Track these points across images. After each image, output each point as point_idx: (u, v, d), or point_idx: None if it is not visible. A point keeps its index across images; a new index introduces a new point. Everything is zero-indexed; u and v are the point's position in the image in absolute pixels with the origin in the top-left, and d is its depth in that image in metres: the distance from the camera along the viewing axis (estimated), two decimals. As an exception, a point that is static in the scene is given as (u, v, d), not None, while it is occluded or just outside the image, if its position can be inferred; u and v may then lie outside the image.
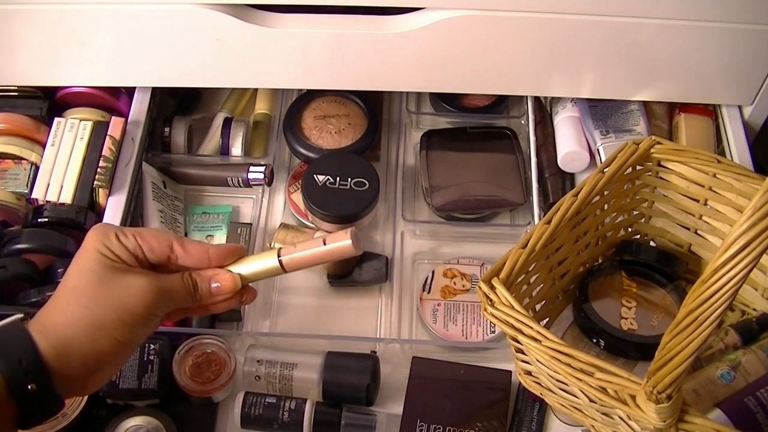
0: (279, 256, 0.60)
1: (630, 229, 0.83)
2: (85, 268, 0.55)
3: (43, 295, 0.74)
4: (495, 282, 0.64)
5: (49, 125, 0.86)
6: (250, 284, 0.61)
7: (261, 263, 0.60)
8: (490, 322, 0.75)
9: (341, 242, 0.59)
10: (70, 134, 0.85)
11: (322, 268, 0.85)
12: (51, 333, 0.52)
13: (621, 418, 0.61)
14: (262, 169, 0.89)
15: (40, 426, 0.71)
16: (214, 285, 0.59)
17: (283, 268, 0.60)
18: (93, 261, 0.55)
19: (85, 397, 0.73)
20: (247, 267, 0.60)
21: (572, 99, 0.93)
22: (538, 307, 0.76)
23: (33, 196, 0.82)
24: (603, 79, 0.87)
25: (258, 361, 0.76)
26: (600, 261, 0.81)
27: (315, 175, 0.86)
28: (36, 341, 0.51)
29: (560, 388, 0.67)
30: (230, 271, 0.60)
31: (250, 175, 0.90)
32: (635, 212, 0.81)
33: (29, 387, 0.50)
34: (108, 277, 0.54)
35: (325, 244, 0.59)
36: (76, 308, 0.53)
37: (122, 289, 0.54)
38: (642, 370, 0.70)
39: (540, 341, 0.60)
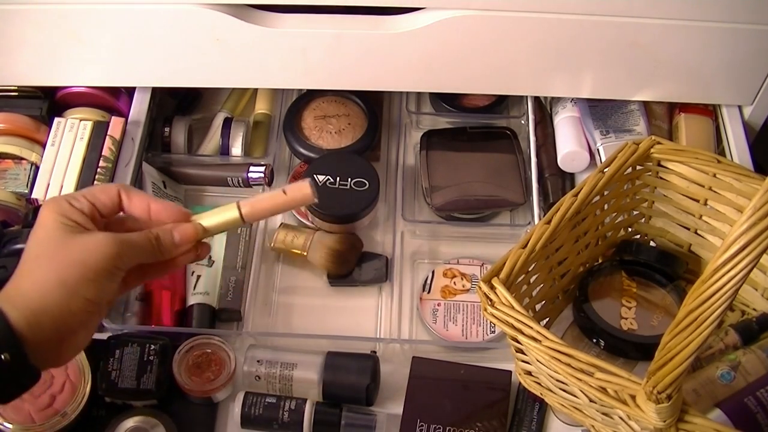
0: (239, 207, 0.60)
1: (630, 229, 0.83)
2: (45, 236, 0.55)
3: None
4: (495, 282, 0.64)
5: (49, 125, 0.86)
6: (204, 240, 0.62)
7: (222, 215, 0.61)
8: (490, 322, 0.75)
9: (301, 191, 0.60)
10: (70, 134, 0.85)
11: (323, 268, 0.85)
12: (19, 302, 0.52)
13: (621, 418, 0.61)
14: (262, 169, 0.89)
15: (39, 426, 0.71)
16: (176, 236, 0.59)
17: (242, 218, 0.60)
18: (51, 228, 0.55)
19: (86, 397, 0.73)
20: (207, 219, 0.60)
21: (572, 99, 0.93)
22: (538, 307, 0.76)
23: (33, 196, 0.82)
24: (603, 79, 0.87)
25: (258, 361, 0.76)
26: (600, 261, 0.81)
27: (315, 175, 0.86)
28: (5, 311, 0.51)
29: (560, 388, 0.67)
30: (191, 221, 0.60)
31: (250, 175, 0.90)
32: (635, 212, 0.81)
33: (2, 357, 0.50)
34: (68, 240, 0.55)
35: (285, 193, 0.60)
36: (40, 273, 0.54)
37: (82, 247, 0.55)
38: (642, 370, 0.70)
39: (540, 341, 0.60)
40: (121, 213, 0.60)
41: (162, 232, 0.59)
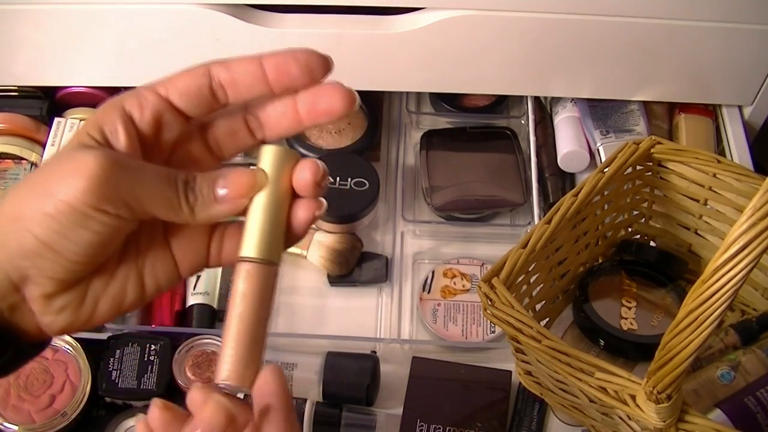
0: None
1: (630, 229, 0.83)
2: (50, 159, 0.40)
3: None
4: (495, 282, 0.64)
5: (49, 125, 0.86)
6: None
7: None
8: (490, 322, 0.75)
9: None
10: (70, 134, 0.85)
11: (323, 268, 0.85)
12: None
13: (621, 418, 0.61)
14: (262, 169, 0.89)
15: (39, 426, 0.71)
16: (220, 183, 0.40)
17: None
18: (67, 147, 0.40)
19: (86, 397, 0.73)
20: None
21: (572, 99, 0.93)
22: (538, 307, 0.76)
23: (33, 196, 0.82)
24: (603, 79, 0.87)
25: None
26: (600, 261, 0.81)
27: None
28: None
29: (560, 388, 0.67)
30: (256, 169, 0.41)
31: (250, 175, 0.89)
32: (635, 212, 0.81)
33: None
34: (60, 156, 0.39)
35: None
36: (3, 204, 0.39)
37: (60, 167, 0.37)
38: (642, 370, 0.70)
39: (540, 341, 0.60)
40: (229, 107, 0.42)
41: (201, 179, 0.39)
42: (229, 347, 0.39)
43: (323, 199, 0.42)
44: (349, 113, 0.41)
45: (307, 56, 0.40)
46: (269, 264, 0.41)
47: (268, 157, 0.41)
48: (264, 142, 0.43)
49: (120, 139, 0.39)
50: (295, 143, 0.91)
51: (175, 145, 0.42)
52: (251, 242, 0.40)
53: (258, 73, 0.41)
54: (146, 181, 0.38)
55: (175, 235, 0.42)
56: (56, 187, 0.37)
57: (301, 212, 0.41)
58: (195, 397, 0.39)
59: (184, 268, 0.43)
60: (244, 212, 0.41)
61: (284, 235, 0.41)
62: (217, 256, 0.43)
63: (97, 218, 0.37)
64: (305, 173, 0.40)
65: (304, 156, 0.38)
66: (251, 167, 0.41)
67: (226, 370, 0.39)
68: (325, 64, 0.40)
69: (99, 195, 0.36)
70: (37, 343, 0.41)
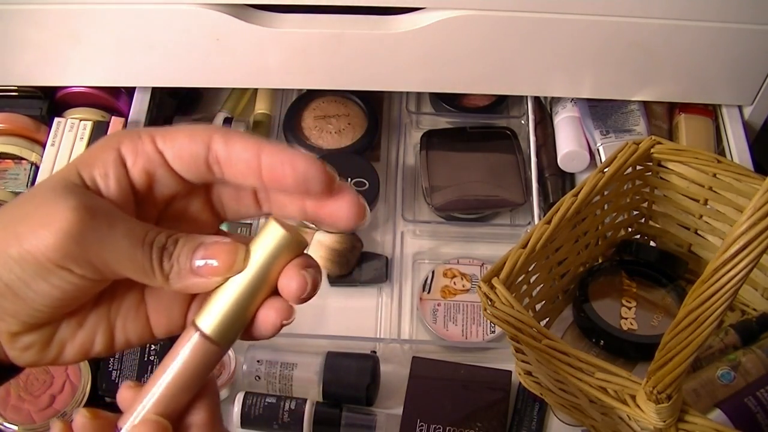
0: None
1: (630, 229, 0.83)
2: (31, 190, 0.37)
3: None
4: (495, 282, 0.64)
5: (49, 125, 0.86)
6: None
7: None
8: (490, 322, 0.75)
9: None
10: (70, 134, 0.85)
11: (323, 268, 0.85)
12: None
13: (621, 418, 0.61)
14: (262, 169, 0.89)
15: (40, 426, 0.71)
16: (199, 253, 0.36)
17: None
18: (49, 180, 0.36)
19: (85, 397, 0.73)
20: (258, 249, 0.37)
21: (572, 99, 0.93)
22: (538, 307, 0.76)
23: (33, 196, 0.82)
24: (603, 79, 0.87)
25: (258, 361, 0.76)
26: (600, 261, 0.81)
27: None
28: None
29: (560, 388, 0.67)
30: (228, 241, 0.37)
31: (250, 175, 0.89)
32: (635, 212, 0.81)
33: None
34: (41, 192, 0.35)
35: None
36: None
37: (34, 210, 0.35)
38: (642, 370, 0.70)
39: (540, 341, 0.60)
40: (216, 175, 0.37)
41: (180, 245, 0.36)
42: (142, 406, 0.37)
43: (294, 310, 0.39)
44: (355, 227, 0.39)
45: (306, 167, 0.36)
46: (217, 345, 0.38)
47: (268, 235, 0.37)
48: (269, 214, 0.39)
49: (110, 185, 0.36)
50: (296, 143, 0.91)
51: (172, 198, 0.39)
52: (211, 316, 0.37)
53: (253, 165, 0.36)
54: (118, 243, 0.35)
55: (152, 295, 0.39)
56: (24, 233, 0.34)
57: (272, 314, 0.38)
58: (124, 395, 0.37)
59: (157, 330, 0.40)
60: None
61: (245, 326, 0.38)
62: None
63: (59, 274, 0.35)
64: (291, 284, 0.37)
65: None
66: (237, 241, 0.37)
67: (128, 425, 0.37)
68: (325, 180, 0.36)
69: (64, 253, 0.34)
70: (9, 366, 0.39)
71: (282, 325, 0.38)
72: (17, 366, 0.39)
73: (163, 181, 0.37)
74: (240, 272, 0.37)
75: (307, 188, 0.36)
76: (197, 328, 0.37)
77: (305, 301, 0.38)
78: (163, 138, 0.37)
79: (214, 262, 0.36)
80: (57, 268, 0.34)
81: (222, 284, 0.37)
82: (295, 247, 0.38)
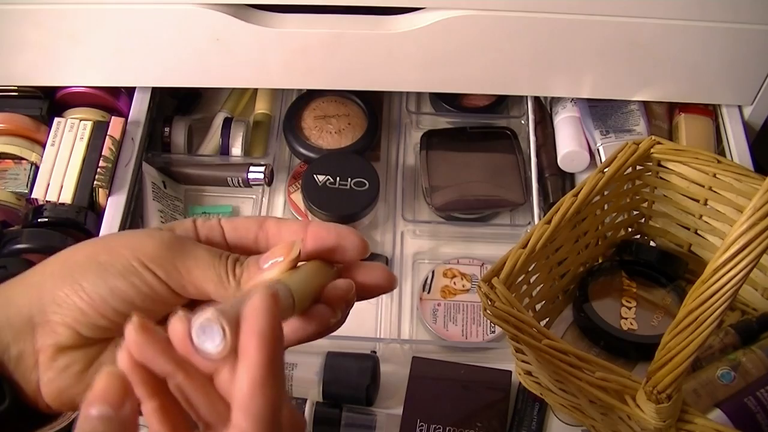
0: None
1: (630, 229, 0.83)
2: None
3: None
4: (495, 282, 0.64)
5: (49, 125, 0.86)
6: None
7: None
8: (490, 322, 0.75)
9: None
10: (70, 134, 0.85)
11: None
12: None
13: (621, 418, 0.61)
14: (262, 169, 0.89)
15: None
16: (265, 265, 0.40)
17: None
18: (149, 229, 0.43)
19: (85, 397, 0.73)
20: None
21: (572, 99, 0.93)
22: (538, 307, 0.76)
23: (33, 196, 0.82)
24: (603, 79, 0.87)
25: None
26: (600, 261, 0.81)
27: (315, 175, 0.85)
28: None
29: (560, 388, 0.67)
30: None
31: (250, 175, 0.89)
32: (635, 212, 0.81)
33: None
34: (129, 231, 0.44)
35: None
36: (63, 251, 0.41)
37: (125, 234, 0.42)
38: (642, 370, 0.70)
39: (540, 341, 0.60)
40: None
41: (248, 261, 0.41)
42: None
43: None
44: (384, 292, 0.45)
45: (346, 232, 0.43)
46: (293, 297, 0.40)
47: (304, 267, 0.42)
48: None
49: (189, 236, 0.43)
50: (296, 143, 0.91)
51: None
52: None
53: (301, 234, 0.43)
54: (201, 254, 0.40)
55: None
56: (115, 244, 0.39)
57: (318, 321, 0.44)
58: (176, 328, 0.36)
59: None
60: None
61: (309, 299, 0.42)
62: None
63: (141, 275, 0.39)
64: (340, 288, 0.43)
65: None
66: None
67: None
68: (360, 246, 0.43)
69: (154, 256, 0.39)
70: (33, 412, 0.40)
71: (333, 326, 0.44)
72: (43, 413, 0.40)
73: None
74: (297, 257, 0.40)
75: (344, 250, 0.42)
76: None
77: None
78: (226, 220, 0.44)
79: (278, 259, 0.40)
80: (143, 267, 0.39)
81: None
82: (332, 272, 0.44)
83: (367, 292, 0.44)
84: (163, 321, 0.40)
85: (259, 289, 0.34)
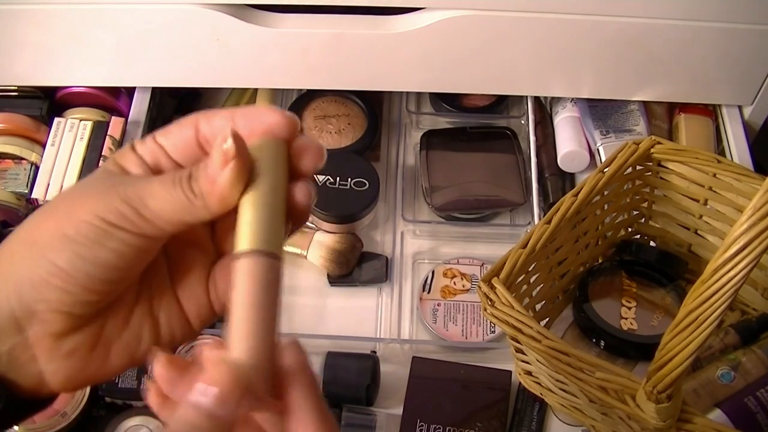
0: None
1: (630, 229, 0.83)
2: (70, 188, 0.40)
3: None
4: (495, 282, 0.64)
5: (49, 125, 0.86)
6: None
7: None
8: (490, 322, 0.75)
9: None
10: (70, 134, 0.85)
11: (323, 268, 0.85)
12: None
13: (621, 418, 0.61)
14: (262, 169, 0.89)
15: (40, 426, 0.71)
16: (211, 162, 0.37)
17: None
18: (89, 177, 0.40)
19: (86, 397, 0.73)
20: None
21: (572, 99, 0.93)
22: (538, 307, 0.76)
23: (33, 196, 0.82)
24: (603, 79, 0.87)
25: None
26: (600, 261, 0.81)
27: (315, 175, 0.85)
28: None
29: (560, 388, 0.67)
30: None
31: (250, 175, 0.89)
32: (635, 212, 0.81)
33: None
34: (85, 181, 0.39)
35: None
36: (18, 230, 0.38)
37: (78, 194, 0.38)
38: (642, 370, 0.70)
39: (540, 341, 0.60)
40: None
41: (198, 165, 0.38)
42: (236, 331, 0.35)
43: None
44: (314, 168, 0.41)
45: (271, 116, 0.39)
46: (270, 256, 0.36)
47: (259, 151, 0.38)
48: None
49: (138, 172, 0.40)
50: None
51: None
52: (247, 236, 0.36)
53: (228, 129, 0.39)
54: (155, 189, 0.37)
55: (180, 285, 0.41)
56: (76, 211, 0.36)
57: (300, 195, 0.39)
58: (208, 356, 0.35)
59: (193, 319, 0.42)
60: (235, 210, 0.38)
61: (283, 224, 0.38)
62: (218, 302, 0.42)
63: (117, 236, 0.36)
64: (309, 157, 0.39)
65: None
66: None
67: (236, 349, 0.34)
68: (288, 124, 0.39)
69: (116, 211, 0.36)
70: (32, 400, 0.38)
71: (312, 199, 0.40)
72: (44, 398, 0.39)
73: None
74: (239, 150, 0.37)
75: (274, 135, 0.39)
76: (242, 253, 0.36)
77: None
78: (161, 133, 0.40)
79: (225, 152, 0.36)
80: (114, 228, 0.36)
81: (240, 208, 0.37)
82: (283, 145, 0.40)
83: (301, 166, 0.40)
84: (149, 268, 0.40)
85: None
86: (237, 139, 0.36)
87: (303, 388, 0.35)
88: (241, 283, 0.36)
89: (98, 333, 0.39)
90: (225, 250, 0.42)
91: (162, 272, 0.41)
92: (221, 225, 0.42)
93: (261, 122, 0.39)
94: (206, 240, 0.42)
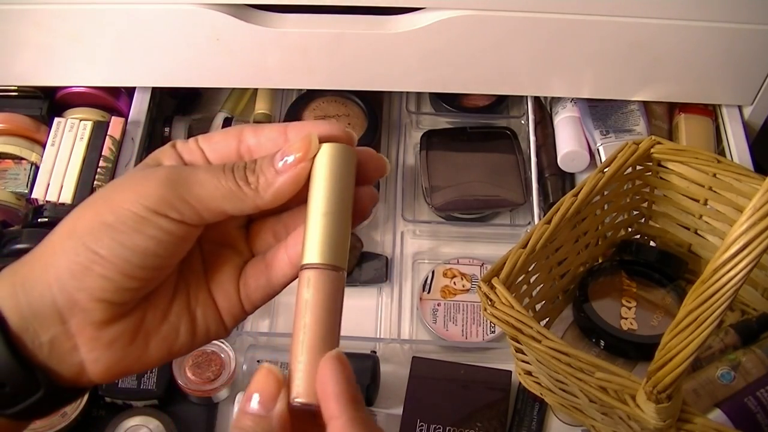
0: None
1: (630, 229, 0.83)
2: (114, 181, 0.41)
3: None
4: (495, 282, 0.64)
5: (49, 125, 0.86)
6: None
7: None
8: (490, 322, 0.75)
9: None
10: (70, 134, 0.85)
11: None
12: (15, 268, 0.38)
13: (621, 418, 0.61)
14: (262, 169, 0.89)
15: (39, 426, 0.71)
16: (279, 163, 0.38)
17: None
18: (131, 170, 0.41)
19: (85, 397, 0.73)
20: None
21: (572, 99, 0.93)
22: (538, 307, 0.76)
23: (33, 196, 0.82)
24: (603, 79, 0.87)
25: (258, 361, 0.76)
26: (600, 261, 0.81)
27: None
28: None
29: (560, 388, 0.67)
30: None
31: (250, 175, 0.89)
32: (635, 212, 0.81)
33: None
34: (127, 174, 0.40)
35: None
36: (59, 224, 0.39)
37: (117, 185, 0.39)
38: (642, 370, 0.70)
39: (540, 341, 0.60)
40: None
41: (259, 158, 0.39)
42: (298, 362, 0.38)
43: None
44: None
45: (329, 129, 0.40)
46: (335, 270, 0.40)
47: (325, 156, 0.39)
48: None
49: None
50: (295, 143, 0.91)
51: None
52: (314, 248, 0.39)
53: (279, 142, 0.40)
54: (202, 178, 0.38)
55: (213, 282, 0.42)
56: (118, 198, 0.37)
57: (366, 201, 0.41)
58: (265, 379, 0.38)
59: (226, 316, 0.43)
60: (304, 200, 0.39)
61: (350, 234, 0.40)
62: (248, 301, 0.43)
63: (156, 222, 0.37)
64: (375, 167, 0.41)
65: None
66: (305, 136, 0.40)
67: (297, 387, 0.37)
68: (346, 138, 0.40)
69: (159, 198, 0.37)
70: (71, 388, 0.39)
71: (376, 202, 0.42)
72: (83, 387, 0.40)
73: None
74: (316, 153, 0.39)
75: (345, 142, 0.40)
76: (308, 266, 0.39)
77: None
78: (203, 138, 0.41)
79: (292, 157, 0.38)
80: (155, 215, 0.37)
81: (306, 215, 0.39)
82: (352, 153, 0.40)
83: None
84: (186, 265, 0.41)
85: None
86: (313, 142, 0.38)
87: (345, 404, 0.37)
88: (308, 296, 0.39)
89: (138, 324, 0.39)
90: (257, 251, 0.43)
91: (198, 269, 0.42)
92: (255, 226, 0.43)
93: (322, 130, 0.40)
94: (240, 240, 0.43)
